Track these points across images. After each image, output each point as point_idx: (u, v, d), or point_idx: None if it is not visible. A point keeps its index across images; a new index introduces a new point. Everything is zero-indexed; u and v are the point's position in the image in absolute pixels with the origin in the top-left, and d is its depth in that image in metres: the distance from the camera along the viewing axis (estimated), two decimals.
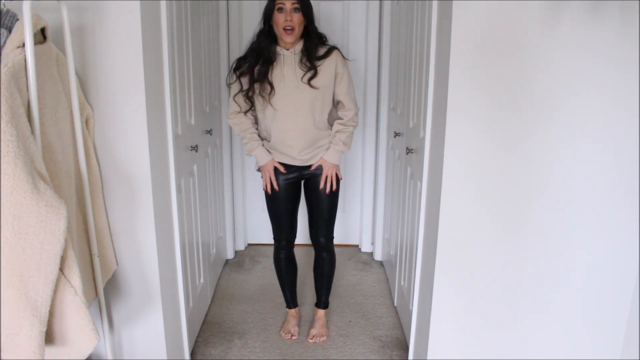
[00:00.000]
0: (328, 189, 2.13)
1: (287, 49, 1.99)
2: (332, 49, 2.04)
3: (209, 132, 2.50)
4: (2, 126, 1.08)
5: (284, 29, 1.92)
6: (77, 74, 1.47)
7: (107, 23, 1.48)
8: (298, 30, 1.95)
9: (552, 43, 1.47)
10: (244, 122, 2.10)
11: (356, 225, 3.30)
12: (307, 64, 1.99)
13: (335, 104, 2.12)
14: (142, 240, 1.65)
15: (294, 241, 2.30)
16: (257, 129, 2.13)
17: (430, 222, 1.76)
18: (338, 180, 2.17)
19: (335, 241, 2.29)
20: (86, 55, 1.50)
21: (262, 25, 2.01)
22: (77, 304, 1.27)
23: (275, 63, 2.00)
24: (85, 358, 1.34)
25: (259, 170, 2.18)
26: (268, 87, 1.98)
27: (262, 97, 2.00)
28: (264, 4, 3.08)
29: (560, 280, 1.66)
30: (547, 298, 1.68)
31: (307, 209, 2.24)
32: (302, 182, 2.22)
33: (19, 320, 1.17)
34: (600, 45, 1.47)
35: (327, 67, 2.02)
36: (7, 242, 1.13)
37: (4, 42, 1.22)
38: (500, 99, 1.53)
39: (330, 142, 2.11)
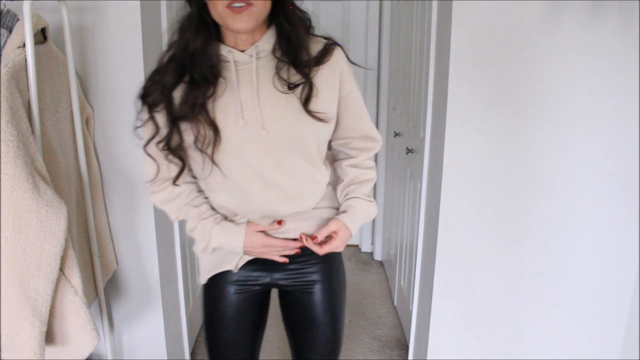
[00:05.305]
0: (318, 248, 1.10)
1: (243, 50, 1.01)
2: (332, 45, 1.07)
3: None
4: (2, 126, 1.08)
5: (230, 7, 0.92)
6: (77, 74, 1.47)
7: (107, 23, 1.48)
8: (261, 9, 0.95)
9: (552, 43, 1.47)
10: (181, 196, 1.12)
11: None
12: (292, 77, 1.01)
13: (334, 143, 1.17)
14: (142, 240, 1.65)
15: None
16: (206, 198, 1.14)
17: (430, 222, 1.76)
18: (337, 258, 1.22)
19: None
20: (86, 55, 1.50)
21: (190, 9, 1.02)
22: (77, 303, 1.28)
23: (220, 80, 1.01)
24: (85, 358, 1.34)
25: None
26: (209, 132, 0.99)
27: (200, 150, 1.00)
28: None
29: (561, 279, 1.66)
30: (547, 298, 1.68)
31: (288, 340, 1.29)
32: (278, 293, 1.26)
33: (20, 320, 1.17)
34: (599, 45, 1.47)
35: (327, 79, 1.04)
36: (7, 242, 1.13)
37: (5, 43, 1.23)
38: (500, 98, 1.53)
39: (348, 198, 1.15)
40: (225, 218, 1.12)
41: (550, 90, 1.51)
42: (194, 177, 1.13)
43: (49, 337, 1.28)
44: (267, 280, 1.19)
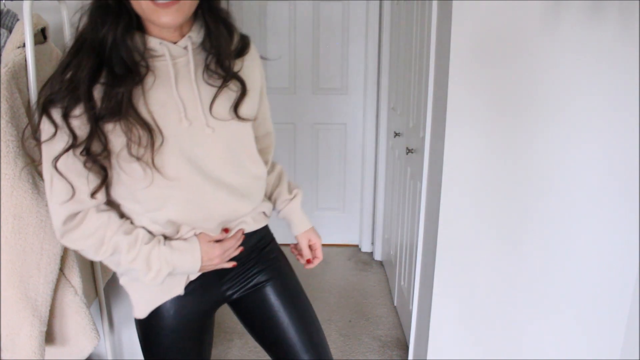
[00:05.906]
0: (317, 261, 1.21)
1: (174, 42, 0.93)
2: (247, 37, 1.05)
3: None
4: (2, 126, 1.08)
5: (155, 2, 0.83)
6: None
7: None
8: (191, 5, 0.88)
9: (552, 43, 1.48)
10: (104, 226, 0.93)
11: (356, 225, 3.30)
12: (220, 71, 0.95)
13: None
14: None
15: None
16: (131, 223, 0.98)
17: (430, 222, 1.76)
18: (274, 248, 1.17)
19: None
20: None
21: None
22: (77, 303, 1.28)
23: (150, 74, 0.90)
24: (85, 358, 1.34)
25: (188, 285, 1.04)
26: (144, 133, 0.88)
27: (136, 157, 0.88)
28: (264, 4, 3.06)
29: (561, 279, 1.66)
30: (547, 298, 1.68)
31: (267, 350, 1.16)
32: (233, 308, 1.16)
33: (19, 320, 1.17)
34: (599, 45, 1.47)
35: (252, 72, 1.03)
36: (7, 242, 1.13)
37: (5, 43, 1.23)
38: (500, 98, 1.53)
39: (283, 206, 1.20)
40: (165, 238, 0.98)
41: (550, 90, 1.51)
42: (108, 205, 0.97)
43: (49, 337, 1.28)
44: (214, 295, 1.08)
